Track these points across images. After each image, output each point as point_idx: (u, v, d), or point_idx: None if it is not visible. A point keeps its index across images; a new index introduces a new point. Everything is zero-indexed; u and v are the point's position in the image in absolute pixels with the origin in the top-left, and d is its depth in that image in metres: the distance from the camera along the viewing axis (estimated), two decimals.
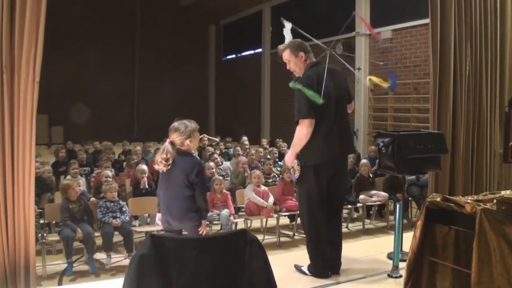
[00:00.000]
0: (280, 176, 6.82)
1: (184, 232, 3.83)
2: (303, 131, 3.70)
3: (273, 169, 7.60)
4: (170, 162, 3.53)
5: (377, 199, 6.81)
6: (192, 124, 3.65)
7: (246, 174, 7.22)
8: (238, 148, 9.15)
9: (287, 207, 6.24)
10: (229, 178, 7.48)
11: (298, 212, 5.64)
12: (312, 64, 3.85)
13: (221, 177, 6.37)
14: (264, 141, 10.92)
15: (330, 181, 3.84)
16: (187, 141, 3.59)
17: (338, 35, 4.05)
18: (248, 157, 8.16)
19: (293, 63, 3.87)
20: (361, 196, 6.78)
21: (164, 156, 3.52)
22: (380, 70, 10.25)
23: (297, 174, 3.90)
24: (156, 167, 3.66)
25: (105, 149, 9.60)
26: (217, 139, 9.99)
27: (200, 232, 3.62)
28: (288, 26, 3.88)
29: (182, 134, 3.57)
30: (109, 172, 6.43)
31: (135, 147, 9.54)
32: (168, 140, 3.62)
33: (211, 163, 6.93)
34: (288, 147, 9.31)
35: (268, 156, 8.61)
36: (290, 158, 3.89)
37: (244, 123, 16.04)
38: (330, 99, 3.71)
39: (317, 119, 3.70)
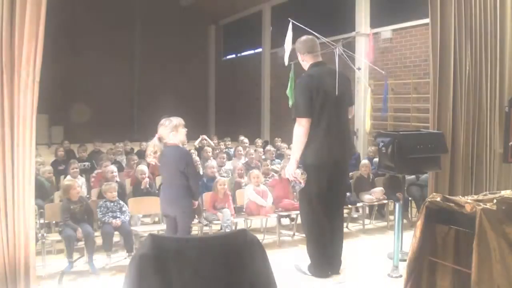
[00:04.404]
0: (276, 174, 6.76)
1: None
2: (300, 130, 3.70)
3: (273, 167, 7.53)
4: (157, 154, 4.01)
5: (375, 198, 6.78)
6: (175, 120, 4.05)
7: (241, 180, 7.04)
8: (240, 148, 9.09)
9: (284, 206, 6.20)
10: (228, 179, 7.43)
11: (298, 212, 5.61)
12: (315, 63, 3.85)
13: (225, 178, 6.31)
14: (259, 142, 10.81)
15: (330, 180, 3.84)
16: (171, 134, 3.99)
17: (339, 40, 4.08)
18: (248, 157, 8.12)
19: (300, 61, 3.95)
20: (367, 196, 6.73)
21: (152, 149, 4.03)
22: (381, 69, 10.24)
23: (302, 184, 3.76)
24: (148, 160, 4.20)
25: (109, 151, 9.52)
26: (212, 144, 9.89)
27: (194, 207, 4.17)
28: (290, 29, 3.93)
29: (166, 128, 4.01)
30: (114, 167, 6.41)
31: (147, 143, 9.46)
32: (156, 135, 4.08)
33: (213, 163, 6.85)
34: (288, 148, 9.35)
35: (263, 157, 8.46)
36: (291, 167, 3.76)
37: (244, 123, 16.04)
38: (330, 99, 3.72)
39: (316, 119, 3.70)
